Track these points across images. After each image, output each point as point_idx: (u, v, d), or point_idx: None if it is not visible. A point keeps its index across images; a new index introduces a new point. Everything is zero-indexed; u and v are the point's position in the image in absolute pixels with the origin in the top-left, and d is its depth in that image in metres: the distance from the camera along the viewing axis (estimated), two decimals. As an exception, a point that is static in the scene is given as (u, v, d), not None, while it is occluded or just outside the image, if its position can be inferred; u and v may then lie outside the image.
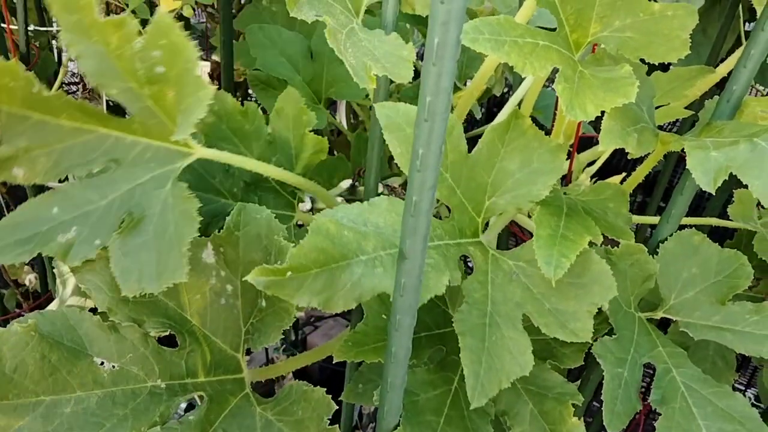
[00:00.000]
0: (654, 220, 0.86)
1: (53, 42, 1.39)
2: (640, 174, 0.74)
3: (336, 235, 0.48)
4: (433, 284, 0.50)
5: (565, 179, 0.81)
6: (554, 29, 0.60)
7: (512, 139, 0.58)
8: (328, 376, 1.57)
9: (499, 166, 0.58)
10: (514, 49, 0.53)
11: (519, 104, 0.81)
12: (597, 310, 0.56)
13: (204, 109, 0.49)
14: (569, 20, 0.61)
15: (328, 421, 0.56)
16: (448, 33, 0.31)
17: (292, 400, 0.57)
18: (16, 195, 1.37)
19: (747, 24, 1.19)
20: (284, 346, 1.45)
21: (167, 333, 0.57)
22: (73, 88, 1.74)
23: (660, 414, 0.59)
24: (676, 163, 1.21)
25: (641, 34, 0.61)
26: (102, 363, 0.54)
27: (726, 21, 1.04)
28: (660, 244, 0.66)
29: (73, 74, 1.72)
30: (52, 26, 1.36)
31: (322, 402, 0.56)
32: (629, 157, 0.60)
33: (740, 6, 1.03)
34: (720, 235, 0.76)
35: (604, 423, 0.57)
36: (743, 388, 1.63)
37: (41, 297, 1.42)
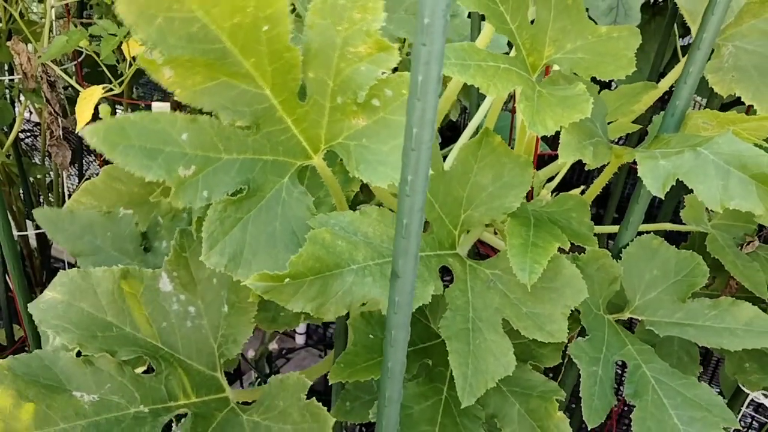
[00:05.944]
0: (611, 229, 0.91)
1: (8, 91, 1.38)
2: (597, 186, 0.79)
3: (330, 244, 0.50)
4: (419, 294, 0.53)
5: (528, 195, 0.85)
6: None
7: (484, 155, 0.62)
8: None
9: (473, 181, 0.62)
10: (479, 72, 0.57)
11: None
12: (570, 312, 0.60)
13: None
14: (525, 45, 0.66)
15: (305, 397, 0.57)
16: (430, 71, 0.34)
17: (272, 394, 0.58)
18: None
19: (682, 39, 1.29)
20: (259, 380, 1.45)
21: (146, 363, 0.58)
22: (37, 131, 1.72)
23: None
24: (626, 176, 1.29)
25: (591, 55, 0.67)
26: (82, 396, 0.54)
27: (663, 39, 1.12)
28: (622, 249, 0.70)
29: (34, 123, 1.71)
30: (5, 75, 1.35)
31: (297, 384, 0.57)
32: (587, 168, 0.65)
33: (675, 24, 1.11)
34: (673, 240, 0.81)
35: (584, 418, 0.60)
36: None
37: (7, 350, 1.38)
